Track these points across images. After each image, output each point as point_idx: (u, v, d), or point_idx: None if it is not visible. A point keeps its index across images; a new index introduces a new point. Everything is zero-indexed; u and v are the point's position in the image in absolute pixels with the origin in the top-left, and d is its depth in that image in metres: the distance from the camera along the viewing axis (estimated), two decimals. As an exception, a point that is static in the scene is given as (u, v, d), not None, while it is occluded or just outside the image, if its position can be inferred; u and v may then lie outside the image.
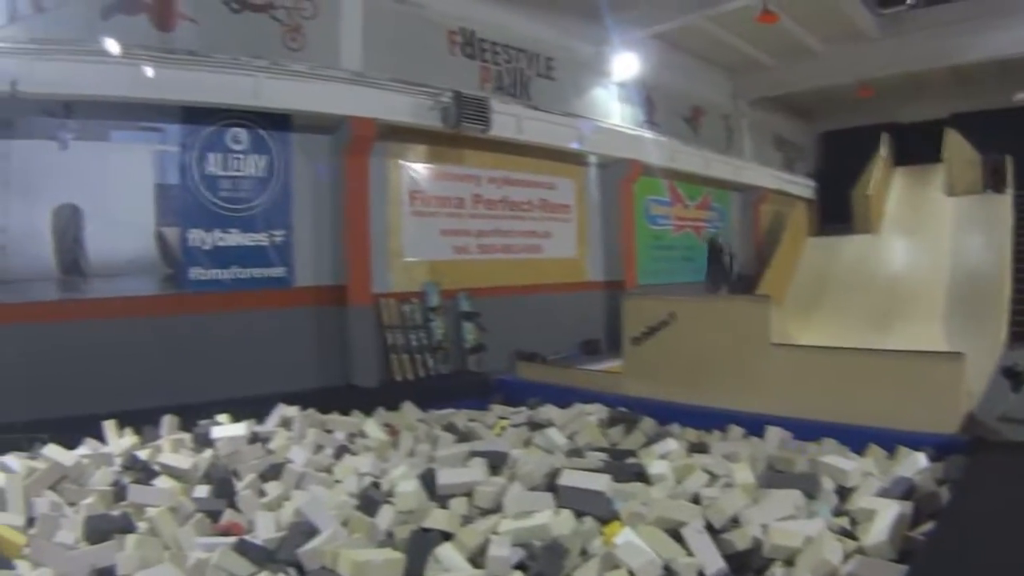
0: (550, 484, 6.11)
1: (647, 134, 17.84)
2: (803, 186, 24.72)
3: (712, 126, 21.13)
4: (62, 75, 9.94)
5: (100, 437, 8.38)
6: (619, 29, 16.12)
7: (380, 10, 13.09)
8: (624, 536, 5.18)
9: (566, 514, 5.44)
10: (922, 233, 20.17)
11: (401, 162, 13.63)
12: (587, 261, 17.02)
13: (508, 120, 13.98)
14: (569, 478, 6.02)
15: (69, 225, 10.44)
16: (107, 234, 10.68)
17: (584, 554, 5.22)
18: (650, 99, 18.70)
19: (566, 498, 5.73)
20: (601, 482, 5.93)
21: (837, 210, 22.20)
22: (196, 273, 11.37)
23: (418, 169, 13.87)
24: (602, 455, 7.35)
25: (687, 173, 19.27)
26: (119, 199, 10.85)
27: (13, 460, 7.23)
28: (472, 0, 14.59)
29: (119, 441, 8.25)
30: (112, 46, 10.19)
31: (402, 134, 13.28)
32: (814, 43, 18.94)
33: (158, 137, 11.23)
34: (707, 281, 19.32)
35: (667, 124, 19.07)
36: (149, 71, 10.44)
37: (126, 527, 5.61)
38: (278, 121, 12.09)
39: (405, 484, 6.10)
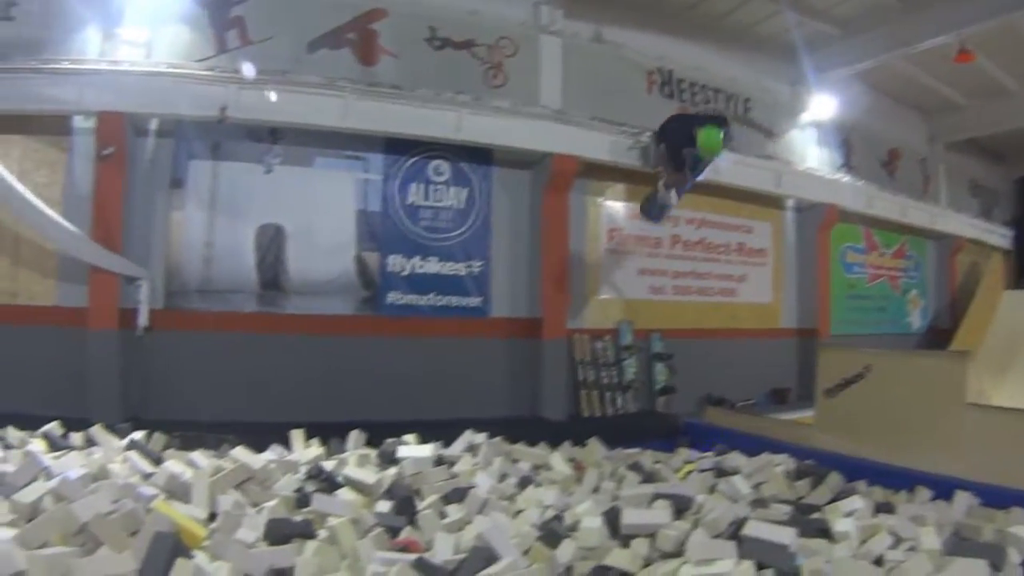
0: (734, 533, 5.60)
1: (845, 178, 16.84)
2: (1000, 235, 22.77)
3: (908, 170, 19.62)
4: (268, 103, 10.18)
5: (287, 445, 8.42)
6: (815, 69, 15.28)
7: (579, 49, 12.80)
8: None
9: (747, 565, 4.96)
10: None
11: (600, 200, 13.31)
12: (781, 307, 16.11)
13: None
14: (755, 529, 5.50)
15: (272, 244, 10.79)
16: (308, 254, 10.98)
17: None
18: (847, 141, 17.56)
19: (749, 549, 5.22)
20: (786, 535, 5.40)
21: (1037, 262, 20.58)
22: (393, 297, 11.50)
23: (616, 207, 13.49)
24: (787, 508, 6.81)
25: (883, 220, 18.06)
26: (321, 222, 11.09)
27: (201, 457, 7.38)
28: (670, 40, 14.07)
29: (305, 450, 8.22)
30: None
31: (601, 172, 12.94)
32: (1011, 83, 17.64)
33: (361, 166, 11.41)
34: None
35: (863, 168, 17.88)
36: (355, 102, 10.57)
37: (306, 533, 5.46)
38: (479, 155, 12.01)
39: (589, 520, 5.74)
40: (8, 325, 10.14)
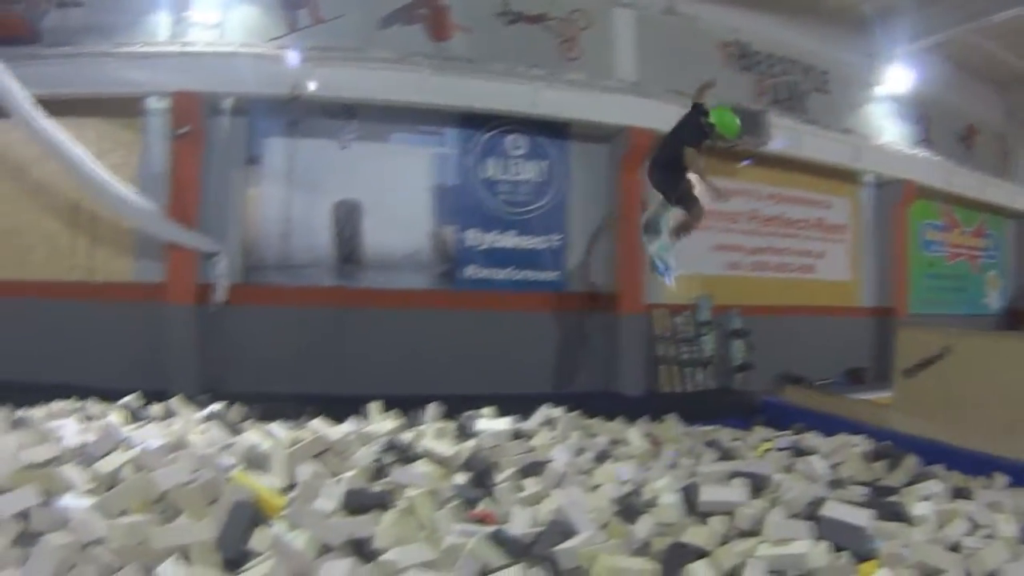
0: (811, 513, 5.43)
1: (922, 153, 16.35)
2: (1078, 215, 22.16)
3: (986, 146, 18.90)
4: (343, 80, 10.24)
5: (364, 417, 8.33)
6: (892, 42, 14.81)
7: (653, 21, 12.58)
8: None
9: (824, 546, 4.81)
10: None
11: (676, 173, 12.95)
12: (859, 285, 15.70)
13: (785, 134, 13.14)
14: (832, 509, 5.34)
15: (348, 219, 10.85)
16: (384, 229, 11.03)
17: None
18: (924, 116, 16.98)
19: (826, 530, 5.07)
20: (864, 518, 5.24)
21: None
22: (470, 271, 11.50)
23: (693, 181, 13.04)
24: (864, 490, 6.57)
25: (962, 197, 17.42)
26: (397, 197, 11.13)
27: (279, 428, 7.41)
28: (745, 11, 13.71)
29: (383, 422, 8.11)
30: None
31: None
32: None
33: (436, 141, 11.41)
34: None
35: (941, 143, 17.28)
36: (429, 77, 10.62)
37: (384, 503, 5.37)
38: (555, 129, 11.91)
39: (667, 496, 5.64)
40: (87, 301, 10.34)
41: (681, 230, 8.21)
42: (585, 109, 11.61)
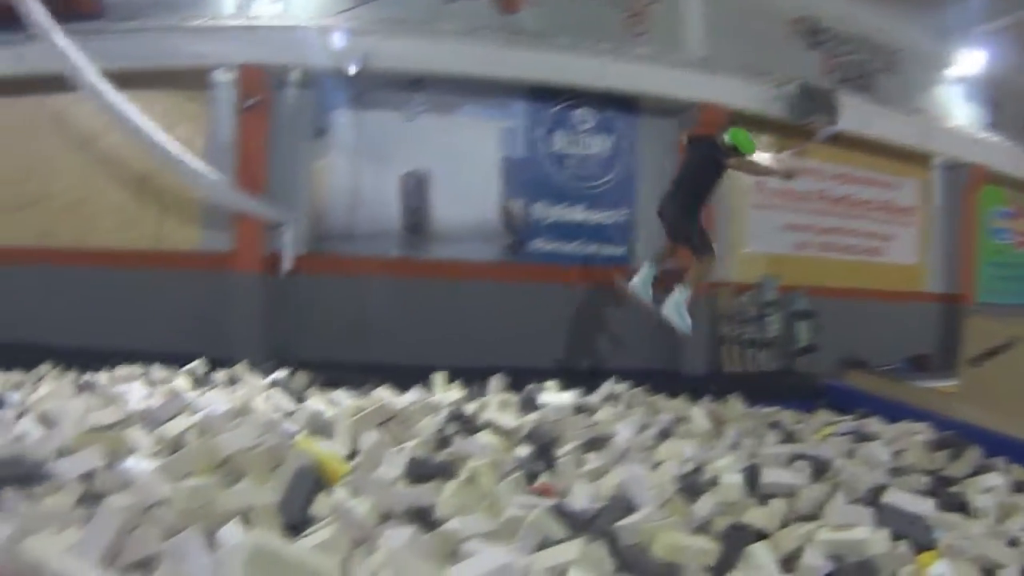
0: (872, 500, 5.34)
1: (993, 137, 15.95)
2: None
3: None
4: (410, 52, 10.35)
5: (428, 387, 8.37)
6: (964, 21, 14.43)
7: (722, -4, 12.39)
8: (939, 569, 4.41)
9: (883, 534, 4.68)
10: None
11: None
12: (926, 270, 15.35)
13: (854, 114, 12.86)
14: (894, 497, 5.26)
15: (415, 190, 10.96)
16: (452, 201, 11.10)
17: None
18: (995, 99, 16.52)
19: (887, 517, 4.96)
20: (925, 507, 5.15)
21: None
22: (537, 244, 11.51)
23: (763, 159, 12.77)
24: (925, 479, 6.41)
25: (1032, 183, 17.00)
26: (465, 170, 11.16)
27: (343, 396, 7.55)
28: (816, -13, 13.45)
29: (446, 393, 8.15)
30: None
31: (746, 123, 12.07)
32: None
33: (504, 114, 11.40)
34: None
35: (1012, 128, 16.68)
36: (497, 50, 10.68)
37: (447, 473, 5.33)
38: (624, 103, 11.84)
39: (728, 476, 5.54)
40: (155, 269, 10.59)
41: (696, 279, 7.63)
42: (653, 83, 11.55)
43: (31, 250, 10.85)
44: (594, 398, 8.39)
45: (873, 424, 8.35)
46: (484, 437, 6.47)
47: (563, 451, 6.29)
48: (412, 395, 7.91)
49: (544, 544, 4.27)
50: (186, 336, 9.84)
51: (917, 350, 14.14)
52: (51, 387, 7.60)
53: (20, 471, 4.69)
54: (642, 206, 11.84)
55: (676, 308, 6.17)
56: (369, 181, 10.93)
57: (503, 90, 11.28)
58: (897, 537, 4.71)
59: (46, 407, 6.52)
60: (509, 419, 6.97)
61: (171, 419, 6.11)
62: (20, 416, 6.35)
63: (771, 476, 5.55)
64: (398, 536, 4.03)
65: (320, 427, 6.22)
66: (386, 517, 4.49)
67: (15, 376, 8.20)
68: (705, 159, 7.68)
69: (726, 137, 8.04)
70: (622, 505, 4.87)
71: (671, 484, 5.50)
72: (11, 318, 10.52)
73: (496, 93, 11.30)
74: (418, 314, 10.74)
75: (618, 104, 11.83)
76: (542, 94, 11.50)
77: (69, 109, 10.68)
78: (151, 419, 6.17)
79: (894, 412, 8.94)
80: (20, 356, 8.79)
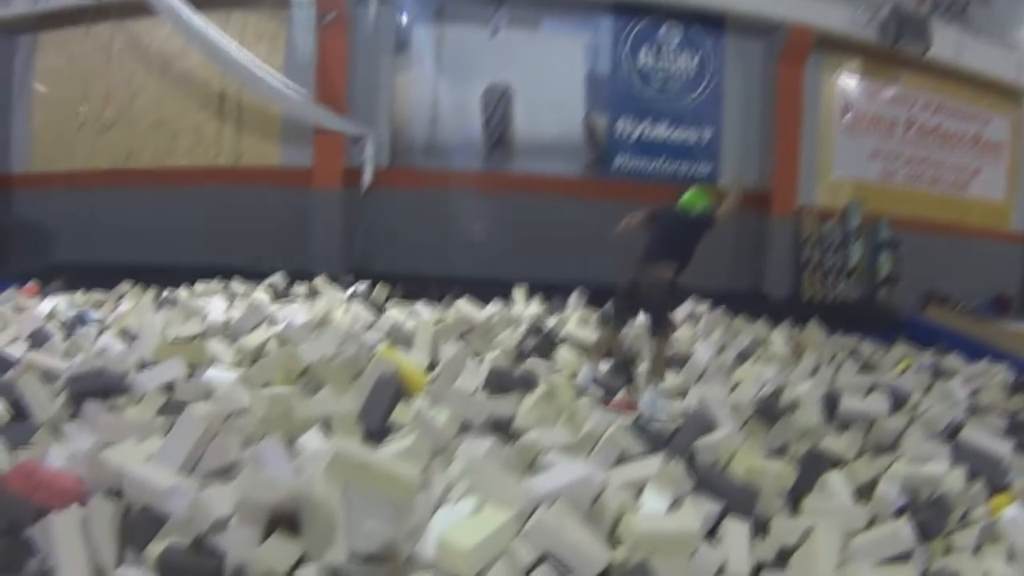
0: (950, 436, 5.31)
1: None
2: None
3: None
4: None
5: (508, 300, 8.54)
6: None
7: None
8: (1014, 511, 4.30)
9: (959, 471, 4.62)
10: None
11: (835, 75, 12.47)
12: (1014, 208, 14.75)
13: (946, 42, 12.38)
14: (973, 435, 5.16)
15: (498, 104, 10.87)
16: (534, 115, 11.03)
17: (964, 518, 4.40)
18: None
19: (963, 455, 4.88)
20: (1003, 448, 5.05)
21: None
22: (620, 161, 11.35)
23: (851, 85, 12.63)
24: (1000, 420, 6.26)
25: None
26: (548, 84, 11.08)
27: (424, 308, 7.75)
28: (911, -92, 12.96)
29: (526, 307, 8.30)
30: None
31: (836, 46, 12.15)
32: None
33: (589, 28, 11.26)
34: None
35: None
36: None
37: (526, 385, 5.45)
38: (711, 21, 11.58)
39: (807, 401, 5.46)
40: (234, 186, 10.68)
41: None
42: (744, 1, 11.22)
43: (113, 172, 11.06)
44: (674, 317, 8.18)
45: (951, 361, 8.23)
46: (563, 351, 6.57)
47: (642, 368, 6.33)
48: (492, 308, 7.99)
49: (622, 459, 4.26)
50: (268, 251, 9.99)
51: (1000, 290, 13.77)
52: (131, 304, 7.80)
53: (101, 384, 4.79)
54: (728, 125, 11.66)
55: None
56: (450, 94, 10.88)
57: (587, 5, 11.11)
58: (972, 476, 4.63)
59: (127, 323, 6.77)
60: (588, 334, 7.01)
61: (251, 331, 6.21)
62: (101, 332, 6.50)
63: (850, 404, 5.49)
64: (478, 446, 4.05)
65: (400, 338, 6.28)
66: (465, 427, 4.49)
67: (96, 295, 8.41)
68: (690, 229, 7.14)
69: (692, 202, 7.50)
70: (700, 424, 4.84)
71: (749, 407, 5.50)
72: (94, 239, 10.84)
73: (580, 8, 11.13)
74: (499, 228, 10.67)
75: (705, 22, 11.55)
76: (627, 9, 11.27)
77: (148, 32, 10.81)
78: (231, 331, 6.29)
79: (973, 351, 8.80)
80: (102, 276, 9.02)
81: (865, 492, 4.43)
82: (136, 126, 11.07)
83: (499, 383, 5.36)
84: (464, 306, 7.78)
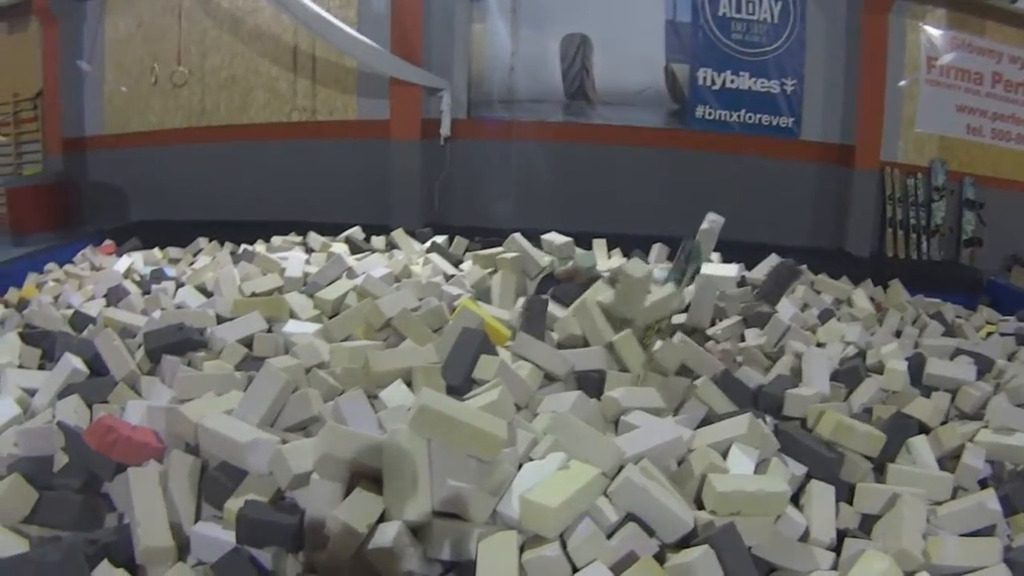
0: None
1: None
2: None
3: None
4: None
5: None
6: None
7: None
8: None
9: None
10: None
11: (921, 25, 11.97)
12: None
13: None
14: None
15: (577, 53, 10.76)
16: (614, 65, 10.88)
17: None
18: None
19: None
20: None
21: None
22: (702, 111, 11.12)
23: (938, 35, 12.11)
24: None
25: None
26: (628, 32, 10.85)
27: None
28: None
29: (608, 260, 8.25)
30: None
31: None
32: None
33: None
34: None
35: None
36: None
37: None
38: None
39: (894, 363, 5.34)
40: (311, 140, 10.82)
41: None
42: (827, -54, 10.99)
43: (186, 130, 11.27)
44: (756, 273, 8.23)
45: None
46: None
47: (723, 325, 6.26)
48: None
49: (708, 418, 4.25)
50: (344, 206, 10.11)
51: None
52: (208, 260, 7.97)
53: (179, 338, 4.86)
54: (812, 76, 11.39)
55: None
56: (528, 44, 10.78)
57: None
58: None
59: (204, 278, 6.90)
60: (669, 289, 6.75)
61: (330, 284, 6.25)
62: (178, 288, 6.63)
63: (937, 368, 5.38)
64: (563, 400, 4.05)
65: (481, 291, 6.26)
66: (550, 381, 4.52)
67: (173, 251, 8.66)
68: None
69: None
70: (788, 382, 4.81)
71: (833, 365, 5.39)
72: (169, 197, 11.10)
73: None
74: (578, 180, 10.68)
75: (788, -31, 11.34)
76: (708, -44, 11.10)
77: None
78: (310, 284, 6.35)
79: None
80: (179, 233, 9.25)
81: (950, 460, 4.36)
82: (209, 84, 11.19)
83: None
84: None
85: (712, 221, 6.66)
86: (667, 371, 4.72)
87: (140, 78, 11.32)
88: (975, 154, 12.20)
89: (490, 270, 6.48)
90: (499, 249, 6.81)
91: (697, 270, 6.32)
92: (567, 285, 6.08)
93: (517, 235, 7.00)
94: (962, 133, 12.19)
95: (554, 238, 7.12)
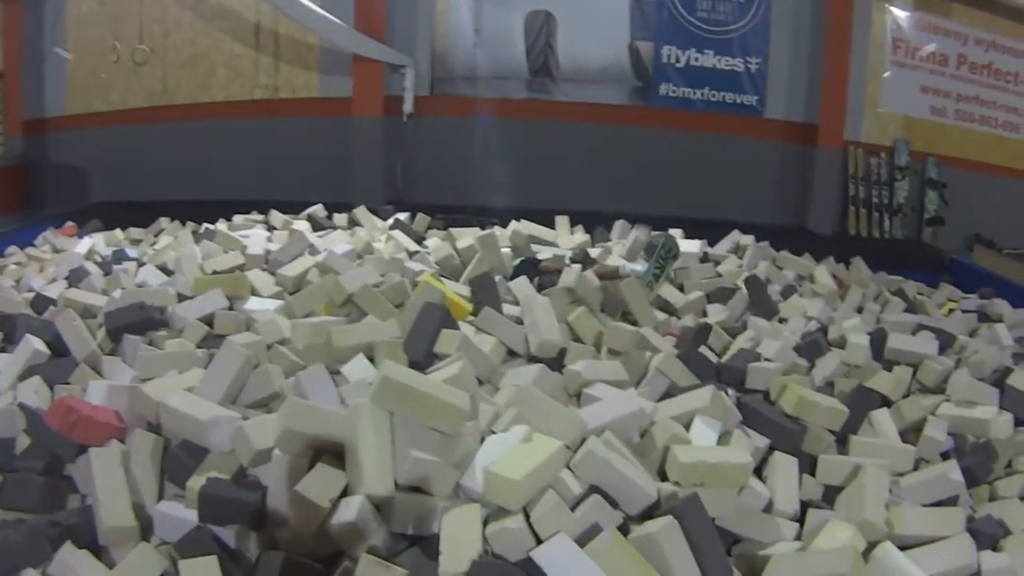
0: (997, 381, 5.12)
1: None
2: None
3: None
4: None
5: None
6: None
7: None
8: None
9: (1007, 418, 4.56)
10: None
11: (886, 4, 12.10)
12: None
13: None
14: (1021, 381, 5.05)
15: (541, 30, 10.83)
16: (578, 42, 10.96)
17: (1010, 466, 4.42)
18: None
19: (1011, 401, 4.79)
20: None
21: None
22: (666, 89, 11.24)
23: (903, 15, 12.25)
24: None
25: None
26: (592, 8, 10.95)
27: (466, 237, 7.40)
28: None
29: (570, 237, 8.26)
30: None
31: None
32: None
33: None
34: None
35: None
36: None
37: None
38: None
39: (856, 337, 5.41)
40: (273, 118, 10.85)
41: None
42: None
43: (148, 109, 11.16)
44: (719, 249, 8.34)
45: (998, 305, 8.12)
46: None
47: (687, 299, 6.34)
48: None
49: (670, 391, 4.25)
50: (306, 183, 10.14)
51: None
52: (170, 239, 7.89)
53: (140, 317, 4.79)
54: (776, 55, 11.48)
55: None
56: (492, 20, 10.82)
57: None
58: (1019, 423, 4.60)
59: (165, 258, 6.86)
60: (633, 265, 6.94)
61: (292, 261, 6.25)
62: (140, 268, 6.54)
63: (898, 342, 5.42)
64: (525, 373, 4.06)
65: (447, 268, 6.31)
66: (512, 355, 4.54)
67: (134, 232, 8.54)
68: None
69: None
70: (750, 357, 4.82)
71: (793, 339, 5.48)
72: (131, 177, 10.96)
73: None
74: (541, 157, 10.73)
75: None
76: (672, -70, 11.11)
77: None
78: (271, 262, 6.34)
79: (1019, 297, 8.62)
80: (140, 214, 9.15)
81: (912, 433, 4.42)
82: (171, 62, 11.10)
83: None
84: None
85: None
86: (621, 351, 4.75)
87: (102, 57, 11.16)
88: (938, 135, 12.37)
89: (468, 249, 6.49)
90: (489, 231, 6.79)
91: (674, 260, 6.39)
92: (551, 276, 6.07)
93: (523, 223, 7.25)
94: (925, 114, 12.35)
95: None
